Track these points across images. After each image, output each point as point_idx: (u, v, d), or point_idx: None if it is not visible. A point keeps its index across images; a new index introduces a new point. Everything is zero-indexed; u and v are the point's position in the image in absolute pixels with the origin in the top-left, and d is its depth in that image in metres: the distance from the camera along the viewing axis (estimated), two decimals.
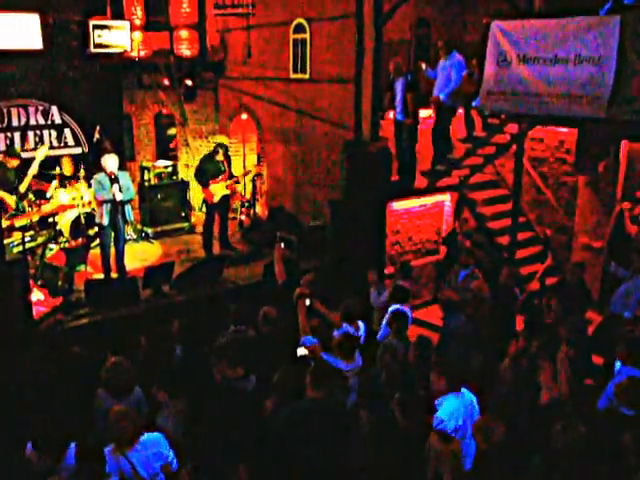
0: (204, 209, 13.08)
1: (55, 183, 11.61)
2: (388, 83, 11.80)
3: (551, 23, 9.15)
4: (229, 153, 13.14)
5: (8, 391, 7.15)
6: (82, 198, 11.75)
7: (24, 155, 11.61)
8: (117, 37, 13.34)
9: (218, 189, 12.13)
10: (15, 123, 13.03)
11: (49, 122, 13.46)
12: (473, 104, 10.97)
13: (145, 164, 14.82)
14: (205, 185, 12.16)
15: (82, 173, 11.95)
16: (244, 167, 14.68)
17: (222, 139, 15.37)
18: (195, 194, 14.90)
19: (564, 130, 12.30)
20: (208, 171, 12.14)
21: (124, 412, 5.28)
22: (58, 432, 5.31)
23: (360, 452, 5.40)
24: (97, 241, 11.20)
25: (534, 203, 13.08)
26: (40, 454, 5.19)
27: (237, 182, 13.16)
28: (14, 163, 11.10)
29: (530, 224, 13.07)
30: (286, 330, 7.35)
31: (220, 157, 12.23)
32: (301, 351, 6.72)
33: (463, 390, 5.84)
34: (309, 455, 5.20)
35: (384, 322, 8.06)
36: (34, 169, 11.06)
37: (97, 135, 13.25)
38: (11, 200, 10.74)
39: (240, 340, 7.11)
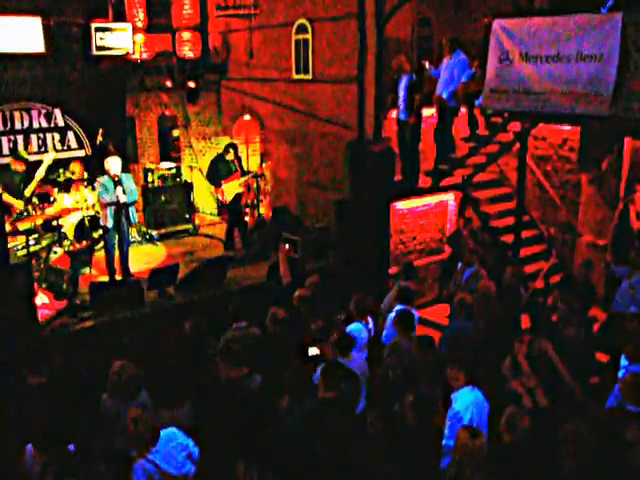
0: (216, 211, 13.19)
1: (58, 187, 11.66)
2: (392, 82, 11.79)
3: (553, 21, 9.14)
4: (239, 153, 13.17)
5: (13, 395, 7.16)
6: (86, 201, 11.78)
7: (29, 158, 11.63)
8: (119, 39, 13.36)
9: (231, 188, 12.23)
10: (18, 126, 13.06)
11: (52, 125, 13.49)
12: (476, 103, 10.97)
13: (149, 166, 14.84)
14: (217, 185, 12.26)
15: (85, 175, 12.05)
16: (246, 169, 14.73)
17: (225, 140, 15.38)
18: (201, 196, 14.94)
19: (567, 128, 12.27)
20: (219, 171, 12.26)
21: (138, 417, 5.26)
22: (59, 433, 5.32)
23: (372, 452, 5.40)
24: (101, 244, 11.22)
25: (538, 201, 13.06)
26: (40, 454, 5.21)
27: (255, 176, 13.25)
28: (20, 167, 11.12)
29: (534, 222, 13.04)
30: (292, 330, 7.37)
31: (230, 156, 12.34)
32: (312, 351, 6.72)
33: (477, 392, 5.86)
34: (320, 455, 5.19)
35: (388, 323, 8.05)
36: (41, 173, 11.07)
37: (100, 137, 13.28)
38: (20, 204, 10.77)
39: (243, 338, 7.12)
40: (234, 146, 12.73)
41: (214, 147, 15.52)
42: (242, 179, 12.45)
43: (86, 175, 12.27)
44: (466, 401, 5.73)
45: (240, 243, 12.77)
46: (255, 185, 14.14)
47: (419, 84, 11.56)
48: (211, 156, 13.67)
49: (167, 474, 5.12)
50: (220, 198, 12.62)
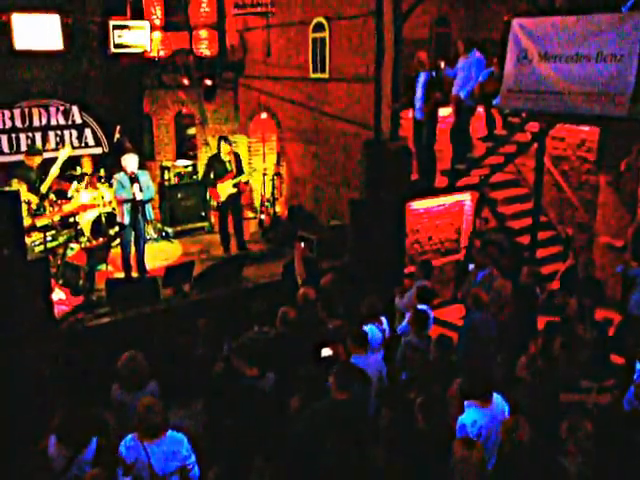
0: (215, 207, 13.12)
1: (76, 185, 11.70)
2: (409, 81, 11.78)
3: (572, 20, 9.08)
4: (236, 150, 13.05)
5: (29, 389, 7.22)
6: (103, 198, 11.82)
7: (45, 155, 11.66)
8: (137, 37, 13.40)
9: (224, 188, 12.13)
10: (36, 123, 13.14)
11: (70, 122, 13.56)
12: (494, 102, 10.92)
13: (165, 164, 14.88)
14: (212, 185, 12.20)
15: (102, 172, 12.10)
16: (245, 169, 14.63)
17: (241, 139, 15.39)
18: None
19: (585, 129, 12.20)
20: (215, 171, 12.17)
21: (153, 404, 5.29)
22: (79, 426, 5.36)
23: (381, 454, 5.39)
24: (118, 240, 11.26)
25: (555, 202, 13.00)
26: (63, 447, 5.25)
27: (246, 182, 13.09)
28: (37, 161, 11.13)
29: (551, 223, 12.99)
30: (305, 329, 7.37)
31: (226, 150, 12.19)
32: (325, 352, 6.71)
33: (495, 398, 5.80)
34: (331, 456, 5.18)
35: (406, 318, 8.06)
36: (56, 169, 11.11)
37: (117, 135, 13.33)
38: (35, 199, 10.81)
39: (262, 340, 7.13)
40: (225, 139, 12.51)
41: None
42: (234, 180, 12.25)
43: (102, 172, 12.30)
44: (474, 415, 5.63)
45: (236, 245, 12.63)
46: (271, 186, 14.11)
47: (438, 83, 11.53)
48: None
49: (152, 469, 5.12)
50: (214, 197, 12.51)
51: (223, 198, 12.18)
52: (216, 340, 7.43)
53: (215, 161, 12.35)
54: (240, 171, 12.43)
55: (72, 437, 5.31)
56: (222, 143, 12.27)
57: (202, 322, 7.54)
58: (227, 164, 12.22)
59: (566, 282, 10.46)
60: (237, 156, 12.59)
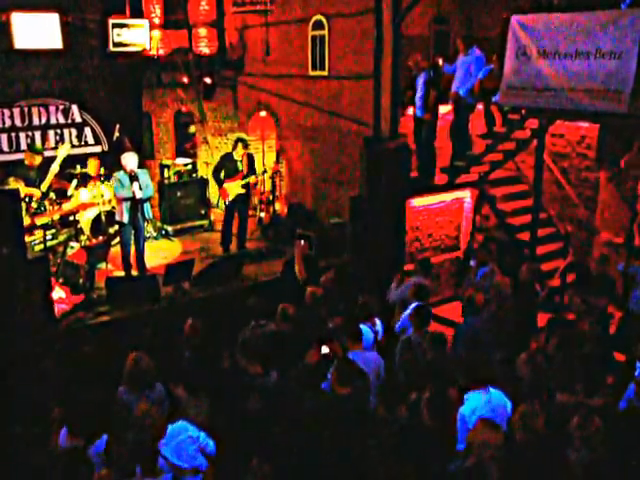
0: (222, 206, 13.10)
1: (75, 182, 11.70)
2: (409, 79, 11.79)
3: (571, 17, 9.09)
4: (250, 151, 13.04)
5: (31, 388, 7.22)
6: (102, 196, 11.81)
7: (45, 154, 11.66)
8: (136, 35, 13.40)
9: (233, 188, 12.12)
10: (36, 122, 13.13)
11: (69, 121, 13.57)
12: (493, 99, 10.91)
13: (165, 162, 14.87)
14: (219, 184, 12.18)
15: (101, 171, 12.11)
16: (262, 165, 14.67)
17: (242, 136, 15.39)
18: (214, 191, 14.95)
19: (585, 125, 12.20)
20: (225, 170, 12.15)
21: (146, 411, 5.30)
22: (86, 416, 5.39)
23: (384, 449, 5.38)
24: (117, 239, 11.26)
25: (555, 199, 12.99)
26: (73, 438, 5.29)
27: (255, 185, 13.08)
28: (37, 160, 11.12)
29: (551, 220, 12.97)
30: (305, 327, 7.37)
31: (239, 157, 12.19)
32: (324, 349, 6.72)
33: (496, 393, 5.80)
34: (332, 450, 5.19)
35: (404, 315, 8.04)
36: (55, 167, 11.10)
37: (117, 133, 13.33)
38: (37, 192, 10.79)
39: (261, 336, 7.13)
40: (242, 140, 12.49)
41: (230, 143, 15.54)
42: (243, 181, 12.22)
43: (102, 171, 12.30)
44: (473, 404, 5.63)
45: (237, 243, 12.61)
46: (270, 183, 14.09)
47: (436, 81, 11.55)
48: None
49: (177, 467, 5.11)
50: (222, 196, 12.50)
51: (232, 197, 12.18)
52: (208, 340, 7.39)
53: (227, 160, 12.33)
54: (252, 172, 12.44)
55: (81, 427, 5.35)
56: (239, 145, 12.25)
57: (188, 324, 7.42)
58: (238, 164, 12.21)
59: (575, 280, 10.47)
60: (250, 157, 12.56)
